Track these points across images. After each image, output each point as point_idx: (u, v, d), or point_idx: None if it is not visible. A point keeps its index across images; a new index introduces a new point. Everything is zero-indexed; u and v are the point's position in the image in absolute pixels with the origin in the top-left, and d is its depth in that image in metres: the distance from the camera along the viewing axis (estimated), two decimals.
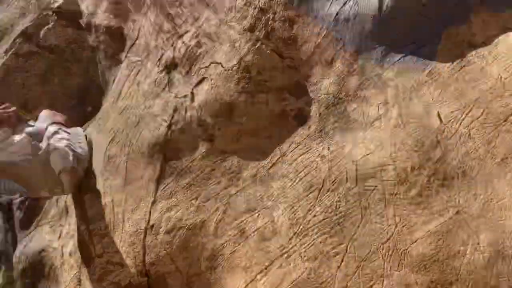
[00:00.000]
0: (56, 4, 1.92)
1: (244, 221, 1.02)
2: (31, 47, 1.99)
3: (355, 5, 1.00)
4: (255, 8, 1.15)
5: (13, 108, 1.43)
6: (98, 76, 1.81)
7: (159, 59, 1.32)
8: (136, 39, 1.52)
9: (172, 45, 1.30)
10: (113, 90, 1.53)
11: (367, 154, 0.92)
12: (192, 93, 1.18)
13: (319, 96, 1.05)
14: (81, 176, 1.32)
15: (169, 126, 1.17)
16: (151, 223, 1.13)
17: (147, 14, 1.48)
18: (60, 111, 1.73)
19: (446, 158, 0.85)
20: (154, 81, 1.28)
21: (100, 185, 1.27)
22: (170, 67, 1.27)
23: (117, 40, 1.60)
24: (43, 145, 1.26)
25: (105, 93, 1.67)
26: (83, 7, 1.79)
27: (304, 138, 1.02)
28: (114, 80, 1.58)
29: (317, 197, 0.94)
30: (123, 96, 1.41)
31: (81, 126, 1.86)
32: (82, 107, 1.89)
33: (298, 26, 1.10)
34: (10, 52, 2.01)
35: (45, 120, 1.55)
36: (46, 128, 1.49)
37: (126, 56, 1.55)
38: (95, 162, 1.36)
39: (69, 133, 1.43)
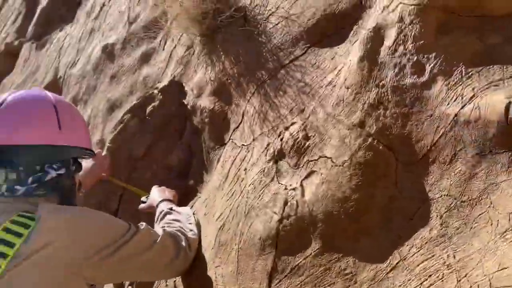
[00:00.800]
0: (161, 85, 2.10)
1: None
2: (137, 123, 2.18)
3: (476, 108, 0.98)
4: (364, 104, 1.18)
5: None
6: (199, 153, 1.91)
7: (266, 148, 1.38)
8: (240, 123, 1.60)
9: (279, 136, 1.35)
10: (218, 171, 1.61)
11: (501, 269, 0.87)
12: (302, 186, 1.21)
13: (438, 197, 1.02)
14: (191, 260, 1.38)
15: (280, 220, 1.20)
16: None
17: (250, 100, 1.57)
18: (162, 184, 1.85)
19: None
20: (262, 170, 1.33)
21: (210, 271, 1.32)
22: (278, 157, 1.32)
23: (221, 122, 1.70)
24: (157, 230, 1.33)
25: (208, 171, 1.76)
26: (187, 88, 1.93)
27: (426, 242, 0.99)
28: (218, 160, 1.66)
29: None
30: (230, 180, 1.48)
31: (180, 197, 1.97)
32: (182, 180, 2.01)
33: (412, 124, 1.10)
34: (119, 127, 2.21)
35: (156, 196, 1.66)
36: (157, 206, 1.60)
37: (230, 139, 1.63)
38: (204, 245, 1.42)
39: (180, 213, 1.51)
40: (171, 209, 1.53)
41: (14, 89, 3.89)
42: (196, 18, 1.81)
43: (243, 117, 1.59)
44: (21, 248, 1.00)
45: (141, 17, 2.44)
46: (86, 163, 1.82)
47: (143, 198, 1.74)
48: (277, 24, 1.57)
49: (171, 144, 2.15)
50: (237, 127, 1.61)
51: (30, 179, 1.14)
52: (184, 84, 1.96)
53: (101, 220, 1.18)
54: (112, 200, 2.22)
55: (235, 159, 1.52)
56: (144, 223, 1.28)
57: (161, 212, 1.52)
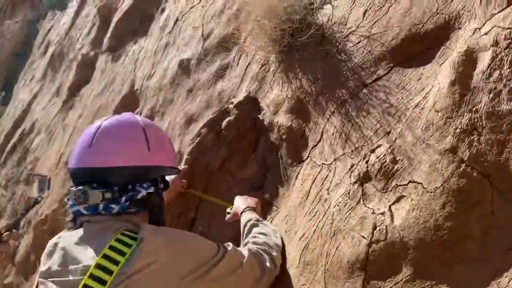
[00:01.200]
0: (236, 100, 2.17)
1: None
2: (213, 136, 2.27)
3: None
4: (456, 129, 1.16)
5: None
6: (274, 167, 1.96)
7: (350, 170, 1.39)
8: (319, 141, 1.62)
9: (364, 158, 1.37)
10: (298, 188, 1.65)
11: None
12: (390, 211, 1.22)
13: None
14: (274, 277, 1.43)
15: (369, 244, 1.21)
16: None
17: (330, 119, 1.59)
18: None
19: None
20: (347, 193, 1.35)
21: None
22: (364, 180, 1.33)
23: (298, 139, 1.74)
24: (243, 250, 1.38)
25: (285, 186, 1.80)
26: (263, 104, 1.98)
27: None
28: (296, 177, 1.70)
29: None
30: (312, 199, 1.51)
31: None
32: (256, 193, 2.07)
33: (509, 151, 1.07)
34: (196, 140, 2.31)
35: (240, 204, 1.72)
36: (242, 214, 1.65)
37: (308, 156, 1.66)
38: (287, 262, 1.47)
39: (266, 225, 1.56)
40: (258, 220, 1.58)
41: (92, 98, 4.16)
42: (272, 36, 1.86)
43: (322, 135, 1.61)
44: (124, 266, 1.09)
45: (215, 33, 2.53)
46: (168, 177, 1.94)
47: (228, 210, 1.82)
48: (358, 43, 1.58)
49: (245, 157, 2.22)
50: (316, 145, 1.64)
51: (123, 198, 1.24)
52: (259, 100, 2.02)
53: (194, 242, 1.26)
54: (190, 210, 2.34)
55: (315, 178, 1.55)
56: (230, 244, 1.35)
57: (247, 223, 1.57)
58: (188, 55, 2.63)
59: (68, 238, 1.22)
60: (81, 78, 5.05)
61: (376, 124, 1.40)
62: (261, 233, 1.50)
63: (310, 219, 1.46)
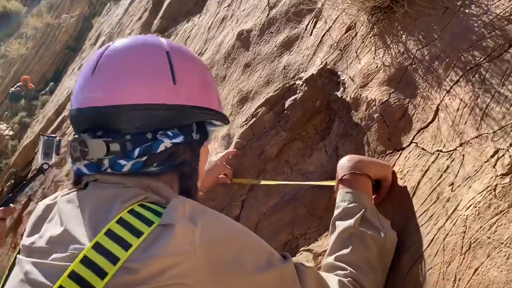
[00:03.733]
0: (307, 74, 1.75)
1: None
2: (272, 118, 1.85)
3: None
4: None
5: None
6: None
7: (493, 157, 0.93)
8: (431, 121, 1.17)
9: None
10: (394, 184, 1.19)
11: None
12: None
13: None
14: None
15: None
16: None
17: (452, 91, 1.13)
18: None
19: None
20: (492, 189, 0.89)
21: None
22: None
23: (396, 120, 1.29)
24: (331, 279, 0.94)
25: None
26: (344, 77, 1.55)
27: None
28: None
29: None
30: (422, 198, 1.05)
31: (321, 212, 1.60)
32: (323, 191, 1.62)
33: None
34: (251, 121, 1.90)
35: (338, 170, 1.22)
36: (337, 189, 1.15)
37: (412, 142, 1.21)
38: None
39: (375, 228, 1.05)
40: (363, 218, 1.04)
41: None
42: None
43: (437, 113, 1.16)
44: (135, 254, 0.68)
45: (284, 0, 2.13)
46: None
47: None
48: None
49: (311, 144, 1.79)
50: (425, 127, 1.19)
51: (137, 151, 0.82)
52: (339, 73, 1.59)
53: (253, 247, 0.82)
54: (234, 205, 1.92)
55: (426, 169, 1.10)
56: (311, 265, 0.90)
57: (342, 221, 1.06)
58: (250, 26, 2.25)
59: (63, 203, 0.81)
60: None
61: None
62: (363, 259, 0.99)
63: (423, 225, 1.00)
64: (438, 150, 1.10)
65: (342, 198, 1.10)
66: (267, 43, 2.09)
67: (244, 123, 1.92)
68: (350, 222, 1.03)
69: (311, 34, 1.87)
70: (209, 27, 2.82)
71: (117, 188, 0.80)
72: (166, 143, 0.85)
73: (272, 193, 1.82)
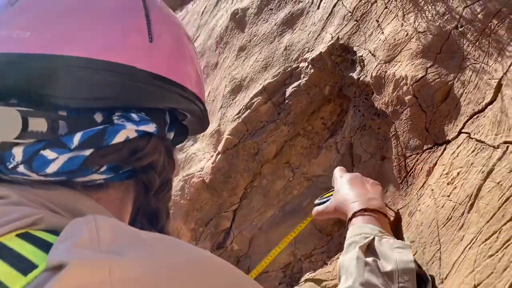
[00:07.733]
0: (313, 54, 1.40)
1: None
2: (271, 109, 1.51)
3: None
4: None
5: None
6: (370, 155, 1.18)
7: None
8: (490, 103, 0.82)
9: None
10: (439, 188, 0.84)
11: None
12: None
13: None
14: None
15: None
16: None
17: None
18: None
19: None
20: None
21: None
22: None
23: (436, 103, 0.94)
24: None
25: (399, 187, 1.00)
26: (362, 53, 1.20)
27: None
28: (431, 170, 0.90)
29: None
30: (481, 208, 0.70)
31: (331, 228, 1.27)
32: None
33: None
34: (244, 114, 1.56)
35: (345, 192, 0.94)
36: (350, 220, 0.86)
37: (461, 132, 0.86)
38: None
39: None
40: (381, 233, 0.80)
41: None
42: None
43: (499, 90, 0.81)
44: None
45: None
46: None
47: (318, 200, 1.04)
48: None
49: (317, 142, 1.44)
50: (482, 111, 0.84)
51: (77, 137, 0.48)
52: (355, 49, 1.24)
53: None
54: (224, 216, 1.57)
55: (491, 170, 0.74)
56: None
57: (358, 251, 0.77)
58: (246, 3, 1.91)
59: None
60: None
61: None
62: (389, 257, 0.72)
63: (491, 256, 0.64)
64: (505, 142, 0.75)
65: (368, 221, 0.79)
66: (265, 22, 1.75)
67: (236, 116, 1.58)
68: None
69: (318, 8, 1.53)
70: (202, 12, 2.49)
71: (20, 195, 0.45)
72: (129, 130, 0.50)
73: (270, 202, 1.47)
